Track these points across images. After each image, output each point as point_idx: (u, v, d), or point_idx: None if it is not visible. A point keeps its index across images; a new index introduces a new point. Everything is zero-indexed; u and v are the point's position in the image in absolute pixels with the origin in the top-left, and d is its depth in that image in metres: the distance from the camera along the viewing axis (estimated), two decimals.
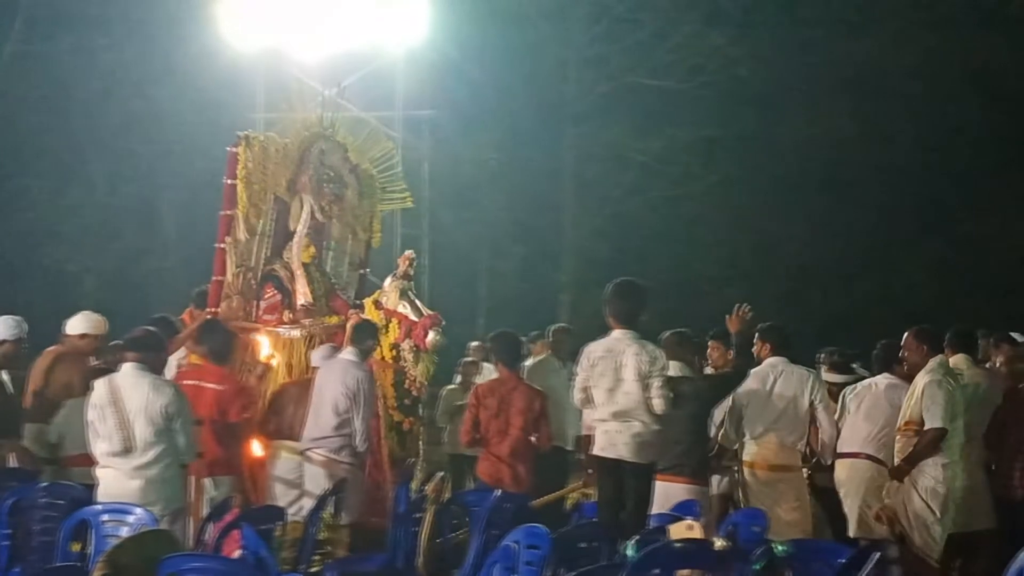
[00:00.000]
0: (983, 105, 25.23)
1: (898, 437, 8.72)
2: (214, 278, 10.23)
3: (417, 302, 10.15)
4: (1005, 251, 24.97)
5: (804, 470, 9.35)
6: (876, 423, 9.19)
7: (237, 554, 6.67)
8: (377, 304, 10.14)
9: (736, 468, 9.40)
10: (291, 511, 8.48)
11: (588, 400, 8.48)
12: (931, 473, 8.44)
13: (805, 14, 25.29)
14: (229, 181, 10.17)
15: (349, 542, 8.88)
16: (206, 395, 8.80)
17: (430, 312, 10.07)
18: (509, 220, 26.04)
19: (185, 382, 8.64)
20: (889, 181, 25.45)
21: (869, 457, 9.16)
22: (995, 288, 23.97)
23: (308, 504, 8.66)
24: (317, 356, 9.66)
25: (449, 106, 21.17)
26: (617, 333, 8.41)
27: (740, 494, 9.31)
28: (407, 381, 9.98)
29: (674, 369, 8.50)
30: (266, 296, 10.37)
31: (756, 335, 9.47)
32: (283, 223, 10.55)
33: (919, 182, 25.44)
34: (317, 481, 8.93)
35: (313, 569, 7.98)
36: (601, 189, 26.04)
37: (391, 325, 9.99)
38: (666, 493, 8.45)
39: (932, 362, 8.58)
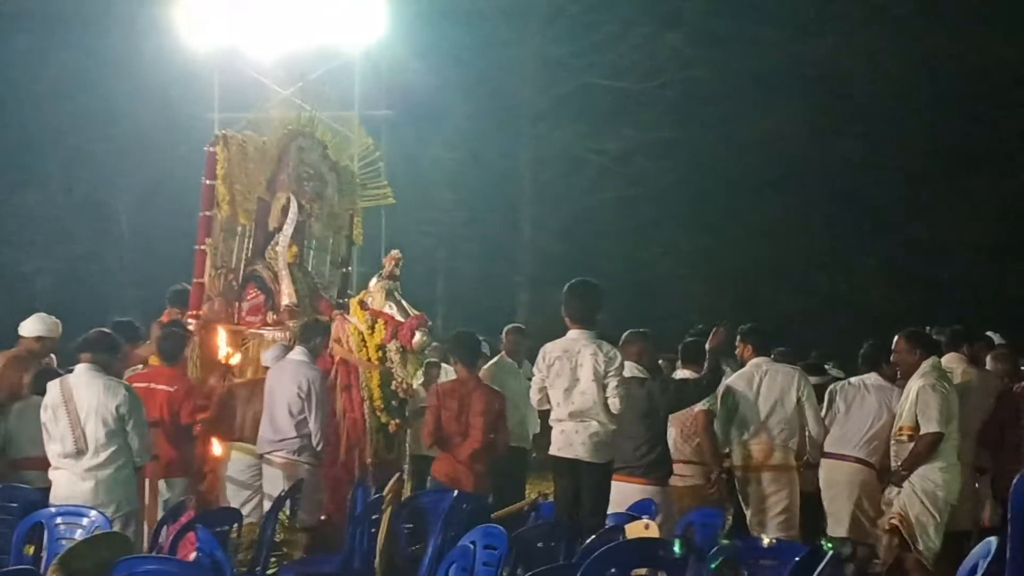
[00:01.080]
0: (934, 107, 25.48)
1: (893, 443, 8.70)
2: (195, 280, 10.13)
3: (403, 302, 9.99)
4: (954, 251, 25.24)
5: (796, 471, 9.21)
6: (865, 425, 9.10)
7: (193, 556, 6.62)
8: (362, 304, 9.97)
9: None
10: (246, 512, 8.44)
11: (545, 400, 8.48)
12: (931, 477, 8.44)
13: (760, 15, 25.42)
14: (208, 181, 10.06)
15: (307, 544, 8.85)
16: (157, 397, 8.77)
17: (416, 312, 9.91)
18: (466, 220, 26.02)
19: (136, 384, 8.57)
20: (841, 182, 25.66)
21: (858, 460, 9.05)
22: (943, 288, 24.20)
23: (266, 506, 8.61)
24: (268, 356, 9.60)
25: (406, 106, 21.08)
26: (574, 333, 8.40)
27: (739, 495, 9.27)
28: (394, 382, 9.84)
29: (628, 370, 8.46)
30: (248, 297, 10.27)
31: (737, 337, 9.48)
32: (263, 223, 10.43)
33: (871, 183, 25.69)
34: (275, 483, 8.89)
35: (269, 571, 7.95)
36: (558, 189, 26.06)
37: (377, 326, 9.81)
38: (621, 493, 8.42)
39: (925, 365, 8.52)
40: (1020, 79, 25.12)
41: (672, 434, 9.06)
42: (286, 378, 9.13)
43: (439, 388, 9.64)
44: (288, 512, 8.65)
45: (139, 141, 23.60)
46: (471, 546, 6.36)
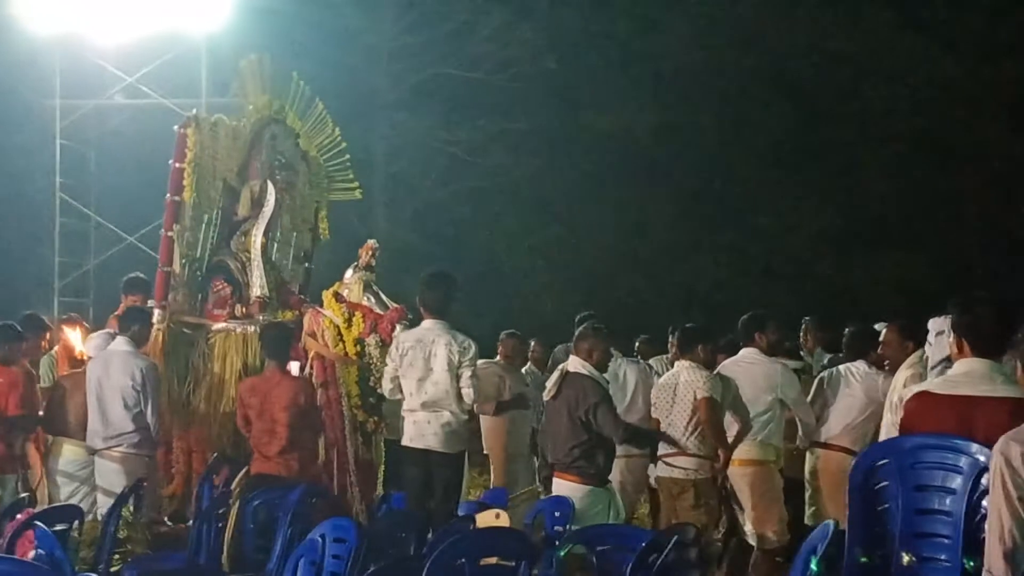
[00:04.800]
0: (778, 100, 26.01)
1: (884, 434, 8.66)
2: (160, 268, 9.72)
3: (381, 294, 9.73)
4: (798, 241, 25.82)
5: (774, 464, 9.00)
6: (851, 413, 8.94)
7: (31, 555, 6.43)
8: (338, 297, 9.67)
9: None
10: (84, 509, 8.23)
11: (397, 390, 8.45)
12: None
13: (611, 8, 25.66)
14: (177, 165, 9.65)
15: (150, 540, 8.67)
16: None
17: (396, 305, 9.63)
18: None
19: None
20: (689, 173, 26.02)
21: (843, 449, 8.82)
22: (788, 276, 24.74)
23: (102, 502, 8.42)
24: (91, 346, 9.32)
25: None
26: (428, 323, 8.40)
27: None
28: (372, 378, 9.38)
29: (574, 366, 8.23)
30: (215, 289, 9.86)
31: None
32: (228, 211, 10.03)
33: (717, 174, 26.12)
34: (113, 478, 8.69)
35: (112, 568, 7.74)
36: (412, 180, 25.97)
37: (355, 319, 9.49)
38: (558, 489, 8.15)
39: (913, 356, 8.28)
40: (861, 72, 25.79)
41: (669, 425, 8.88)
42: (115, 370, 8.88)
43: (240, 385, 9.21)
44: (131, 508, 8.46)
45: None
46: (320, 539, 6.28)
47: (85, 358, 9.67)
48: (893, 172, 25.82)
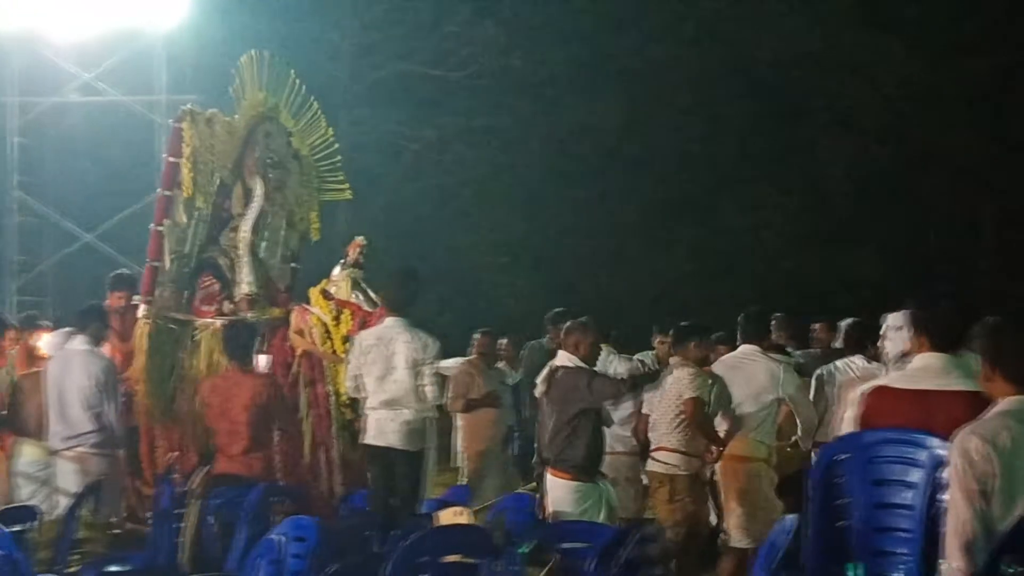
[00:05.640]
0: (744, 96, 26.09)
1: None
2: (148, 262, 9.59)
3: (369, 291, 9.63)
4: (764, 237, 25.93)
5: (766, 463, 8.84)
6: None
7: None
8: (325, 294, 9.58)
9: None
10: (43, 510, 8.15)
11: (359, 388, 8.41)
12: None
13: (575, 5, 25.66)
14: (171, 159, 9.50)
15: (110, 540, 8.60)
16: None
17: None
18: None
19: None
20: (654, 170, 26.07)
21: None
22: (753, 272, 24.83)
23: (63, 502, 8.34)
24: (50, 344, 9.25)
25: (217, 91, 20.70)
26: (389, 320, 8.37)
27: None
28: None
29: (561, 359, 8.20)
30: (203, 285, 9.74)
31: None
32: (220, 207, 9.89)
33: (682, 171, 26.18)
34: (72, 478, 8.61)
35: (71, 569, 7.68)
36: (375, 177, 25.86)
37: (343, 316, 9.40)
38: (550, 487, 8.04)
39: None
40: (826, 69, 25.88)
41: (655, 421, 8.83)
42: (75, 370, 8.81)
43: (202, 384, 9.13)
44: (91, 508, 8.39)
45: None
46: (280, 538, 6.25)
47: (44, 355, 9.59)
48: (858, 169, 25.97)
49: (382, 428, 8.24)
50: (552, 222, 26.05)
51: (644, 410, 9.05)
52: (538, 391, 8.34)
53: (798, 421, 8.96)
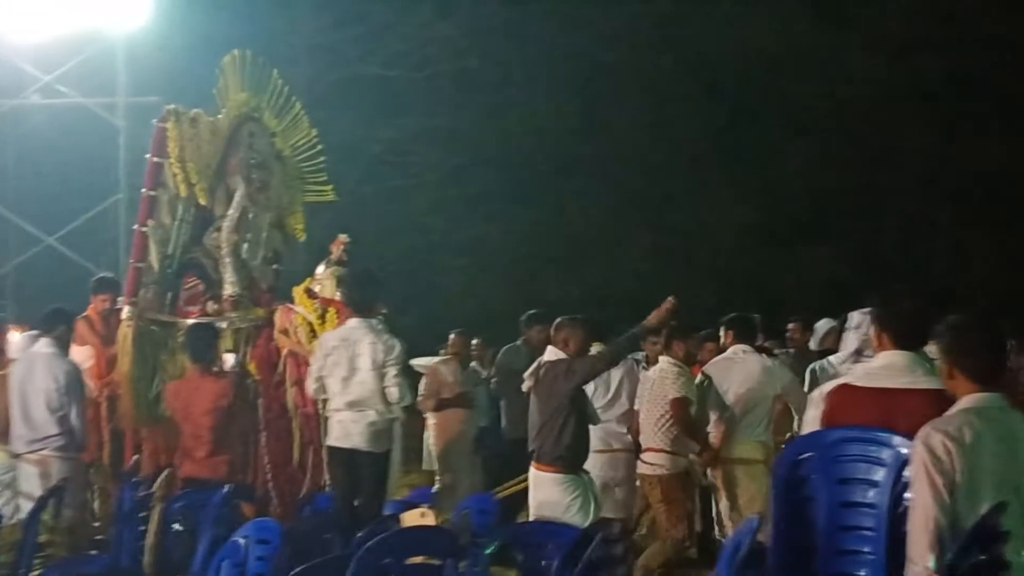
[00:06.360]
0: (700, 96, 26.21)
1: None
2: (133, 264, 9.52)
3: None
4: (720, 236, 26.04)
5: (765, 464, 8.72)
6: None
7: None
8: (310, 293, 9.52)
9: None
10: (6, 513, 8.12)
11: (322, 390, 8.40)
12: None
13: (532, 7, 25.69)
14: (155, 159, 9.43)
15: (72, 543, 8.54)
16: None
17: None
18: None
19: None
20: (611, 170, 26.15)
21: None
22: (710, 272, 24.95)
23: (26, 506, 8.28)
24: (13, 348, 9.17)
25: (176, 93, 20.61)
26: (352, 322, 8.37)
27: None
28: None
29: (549, 355, 8.20)
30: (187, 286, 9.66)
31: (722, 325, 9.29)
32: (204, 207, 9.76)
33: (639, 171, 26.26)
34: (35, 482, 8.56)
35: (33, 573, 7.63)
36: (333, 178, 25.65)
37: (328, 315, 9.30)
38: (535, 482, 8.07)
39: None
40: (781, 68, 26.02)
41: (643, 420, 8.86)
42: (39, 373, 8.75)
43: (166, 388, 9.07)
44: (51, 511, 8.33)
45: None
46: (243, 541, 6.23)
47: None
48: (813, 168, 26.12)
49: (347, 430, 8.24)
50: (510, 223, 26.07)
51: (636, 406, 9.09)
52: (526, 386, 8.36)
53: (795, 416, 8.93)
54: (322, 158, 10.73)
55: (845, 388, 5.16)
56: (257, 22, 24.27)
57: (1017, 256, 24.06)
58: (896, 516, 4.48)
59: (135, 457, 9.29)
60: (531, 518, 7.87)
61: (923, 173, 25.45)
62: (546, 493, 7.92)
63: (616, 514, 9.11)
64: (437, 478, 11.23)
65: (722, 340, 9.29)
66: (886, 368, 5.01)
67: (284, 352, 9.43)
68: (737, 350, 9.03)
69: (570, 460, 7.98)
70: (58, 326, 8.99)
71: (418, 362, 11.43)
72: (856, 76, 25.79)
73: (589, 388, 8.53)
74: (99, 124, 17.59)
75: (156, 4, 16.59)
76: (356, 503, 8.16)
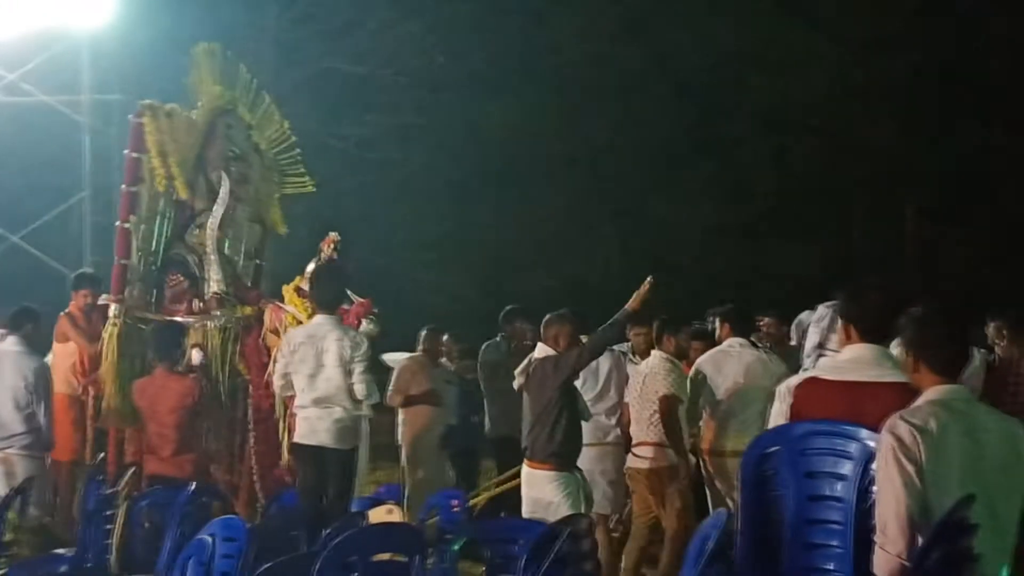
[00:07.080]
0: (667, 93, 26.27)
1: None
2: (117, 261, 9.42)
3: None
4: (689, 233, 26.10)
5: None
6: None
7: None
8: (299, 291, 9.44)
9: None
10: None
11: (288, 387, 8.38)
12: None
13: (498, 3, 25.67)
14: (134, 154, 9.35)
15: (38, 542, 8.50)
16: None
17: (361, 299, 9.41)
18: None
19: None
20: (580, 166, 26.18)
21: None
22: (679, 268, 24.98)
23: None
24: None
25: (140, 91, 20.50)
26: (319, 318, 8.36)
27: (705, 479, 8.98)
28: None
29: (540, 352, 8.20)
30: (172, 283, 9.59)
31: (716, 317, 9.31)
32: (185, 203, 9.72)
33: (608, 167, 26.31)
34: (1, 480, 8.50)
35: None
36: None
37: None
38: (528, 479, 8.09)
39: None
40: (749, 65, 26.11)
41: (634, 415, 8.87)
42: (7, 371, 8.72)
43: (134, 386, 9.02)
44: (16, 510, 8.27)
45: None
46: (209, 539, 6.19)
47: None
48: (782, 165, 26.22)
49: (313, 427, 8.22)
50: (478, 219, 26.06)
51: (626, 399, 9.09)
52: (517, 384, 8.38)
53: None
54: (297, 150, 10.65)
55: (812, 381, 5.17)
56: (221, 19, 24.16)
57: (984, 250, 24.23)
58: (863, 510, 4.48)
59: (101, 455, 9.23)
60: (524, 515, 7.86)
61: (890, 168, 25.56)
62: (539, 491, 7.93)
63: (603, 509, 9.12)
64: (406, 474, 11.20)
65: (718, 332, 9.31)
66: (853, 361, 5.02)
67: (274, 351, 9.38)
68: (734, 343, 9.05)
69: (563, 457, 8.00)
70: (25, 324, 8.94)
71: (388, 357, 11.42)
72: (823, 72, 25.87)
73: (579, 381, 8.54)
74: (63, 122, 17.48)
75: (120, 2, 16.47)
76: (323, 500, 8.13)
